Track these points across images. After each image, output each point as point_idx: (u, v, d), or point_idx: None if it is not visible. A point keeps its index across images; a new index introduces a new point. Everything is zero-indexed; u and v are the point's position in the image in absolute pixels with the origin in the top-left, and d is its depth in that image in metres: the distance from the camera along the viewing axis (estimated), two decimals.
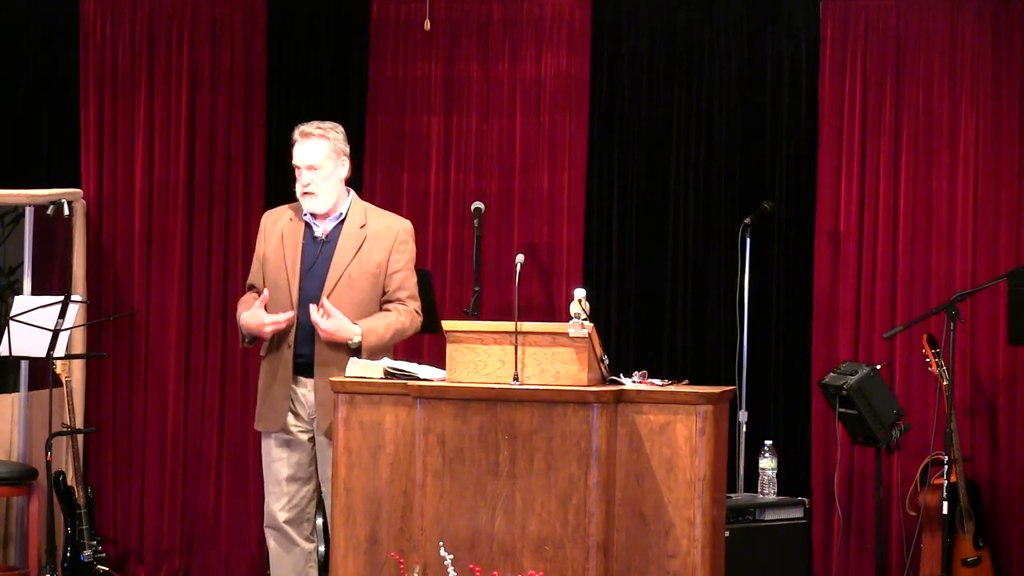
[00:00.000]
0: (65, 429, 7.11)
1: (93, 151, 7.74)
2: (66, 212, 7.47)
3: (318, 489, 5.92)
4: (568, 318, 5.25)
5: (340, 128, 5.91)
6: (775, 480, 6.85)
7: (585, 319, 5.20)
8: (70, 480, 7.21)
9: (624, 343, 7.54)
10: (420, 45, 7.71)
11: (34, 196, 7.52)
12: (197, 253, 7.75)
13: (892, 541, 7.17)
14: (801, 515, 6.77)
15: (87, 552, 7.11)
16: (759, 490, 6.85)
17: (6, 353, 6.94)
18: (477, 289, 7.23)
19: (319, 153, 5.81)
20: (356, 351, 5.71)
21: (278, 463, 5.88)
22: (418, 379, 5.42)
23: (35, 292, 7.48)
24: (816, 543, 7.22)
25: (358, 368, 5.53)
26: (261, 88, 7.80)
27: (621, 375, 5.41)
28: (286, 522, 5.89)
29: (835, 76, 7.39)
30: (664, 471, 5.17)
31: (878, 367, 6.74)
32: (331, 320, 5.68)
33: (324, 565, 6.14)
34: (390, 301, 5.87)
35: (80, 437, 7.37)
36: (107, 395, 7.72)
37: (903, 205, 7.30)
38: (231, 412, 7.71)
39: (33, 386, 7.57)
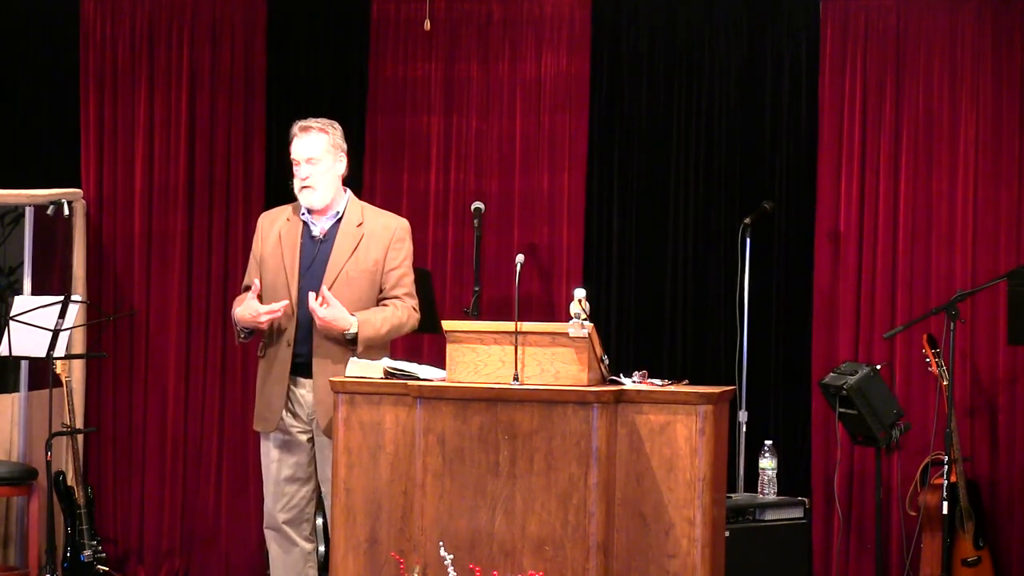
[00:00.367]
0: (65, 429, 7.11)
1: (93, 151, 7.75)
2: (66, 212, 7.47)
3: (317, 489, 5.92)
4: (568, 318, 5.25)
5: (338, 125, 5.92)
6: (775, 480, 6.85)
7: (585, 319, 5.20)
8: (70, 480, 7.21)
9: (624, 343, 7.54)
10: (420, 45, 7.71)
11: (34, 196, 7.52)
12: (197, 253, 7.75)
13: (892, 541, 7.17)
14: (801, 515, 6.77)
15: (87, 552, 7.11)
16: (759, 490, 6.85)
17: (6, 353, 6.94)
18: (477, 289, 7.23)
19: (318, 147, 5.82)
20: (352, 342, 5.71)
21: (277, 464, 5.88)
22: (418, 379, 5.42)
23: (35, 292, 7.48)
24: (816, 543, 7.22)
25: (358, 368, 5.53)
26: (261, 88, 7.80)
27: (621, 375, 5.41)
28: (285, 522, 5.89)
29: (835, 76, 7.39)
30: (664, 471, 5.17)
31: (878, 367, 6.74)
32: (329, 309, 5.67)
33: (324, 565, 6.14)
34: (387, 299, 5.87)
35: (80, 437, 7.37)
36: (107, 395, 7.72)
37: (903, 205, 7.30)
38: (231, 412, 7.71)
39: (33, 386, 7.57)
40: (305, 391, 5.82)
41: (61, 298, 6.93)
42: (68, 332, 6.97)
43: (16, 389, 7.64)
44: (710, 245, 7.53)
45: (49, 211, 7.46)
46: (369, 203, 6.15)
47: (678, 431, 5.17)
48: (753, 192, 7.45)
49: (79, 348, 7.40)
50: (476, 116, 7.69)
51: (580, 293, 5.27)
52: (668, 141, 7.58)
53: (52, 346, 6.90)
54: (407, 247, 5.94)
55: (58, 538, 7.18)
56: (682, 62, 7.58)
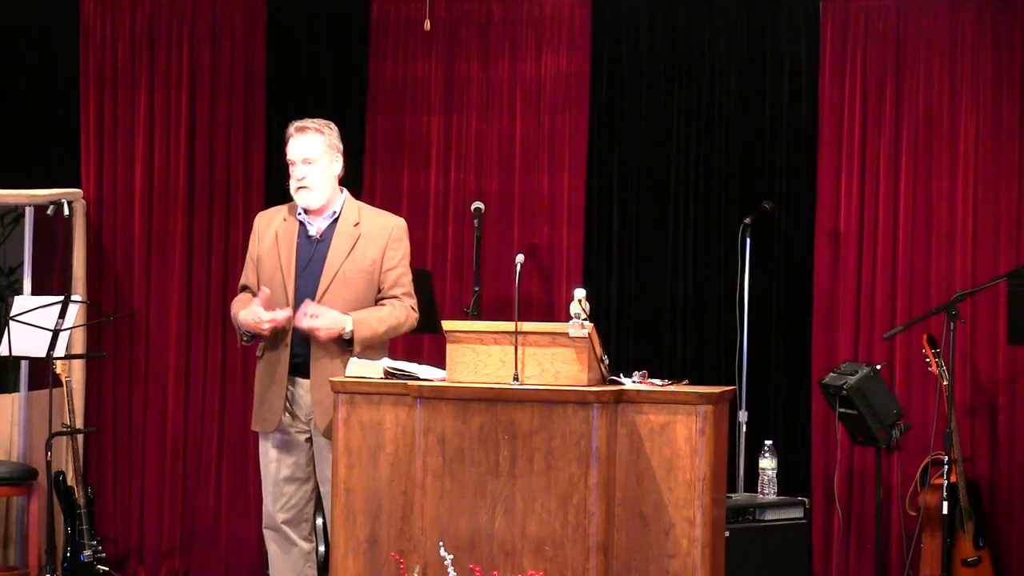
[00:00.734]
0: (65, 429, 7.11)
1: (93, 151, 7.75)
2: (66, 212, 7.47)
3: (316, 489, 5.92)
4: (568, 318, 5.24)
5: (334, 126, 5.93)
6: (775, 480, 6.85)
7: (585, 319, 5.20)
8: (70, 480, 7.21)
9: (624, 343, 7.54)
10: (420, 45, 7.71)
11: (34, 196, 7.52)
12: (197, 253, 7.75)
13: (892, 541, 7.17)
14: (801, 515, 6.77)
15: (87, 552, 7.11)
16: (759, 490, 6.85)
17: (6, 353, 6.94)
18: (477, 289, 7.23)
19: (315, 147, 5.82)
20: (349, 342, 5.72)
21: (275, 464, 5.88)
22: (418, 379, 5.42)
23: (35, 292, 7.48)
24: (816, 543, 7.22)
25: (358, 368, 5.53)
26: (261, 88, 7.80)
27: (621, 375, 5.41)
28: (284, 523, 5.89)
29: (835, 76, 7.39)
30: (664, 471, 5.17)
31: (878, 367, 6.74)
32: (321, 319, 5.68)
33: (324, 565, 6.14)
34: (385, 298, 5.87)
35: (80, 437, 7.37)
36: (107, 395, 7.73)
37: (903, 205, 7.30)
38: (231, 412, 7.71)
39: (33, 386, 7.57)
40: (303, 391, 5.82)
41: (61, 298, 6.93)
42: (68, 332, 6.97)
43: (16, 389, 7.64)
44: (710, 245, 7.53)
45: (49, 211, 7.46)
46: (369, 203, 6.15)
47: (678, 431, 5.17)
48: (753, 192, 7.45)
49: (79, 348, 7.40)
50: (476, 116, 7.69)
51: (580, 293, 5.27)
52: (668, 141, 7.58)
53: (52, 346, 6.90)
54: (404, 246, 5.93)
55: (58, 538, 7.18)
56: (682, 62, 7.58)
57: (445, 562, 5.08)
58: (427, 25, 7.47)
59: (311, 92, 7.79)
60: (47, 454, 6.93)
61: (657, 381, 5.37)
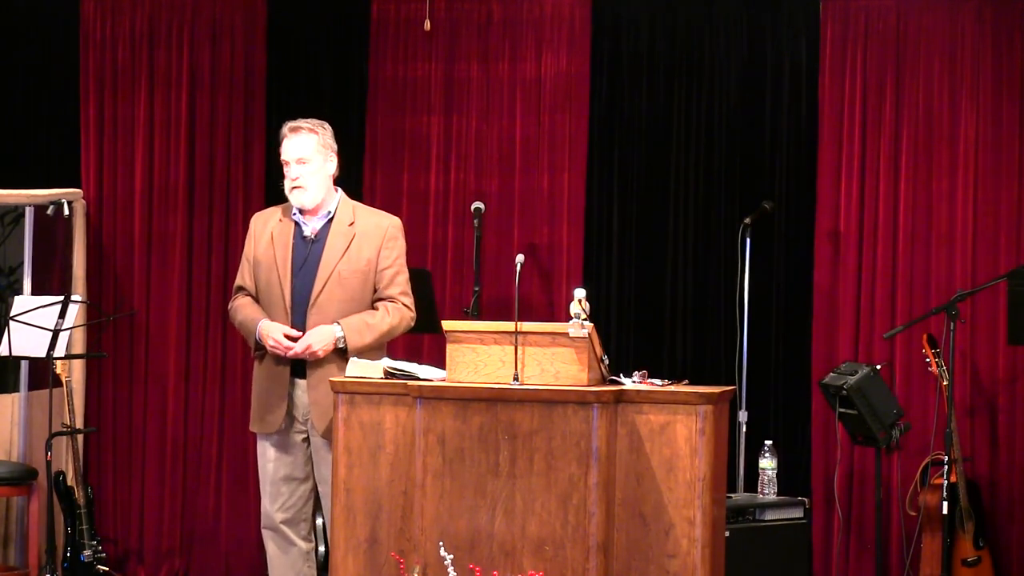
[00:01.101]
0: (65, 429, 7.10)
1: (93, 151, 7.75)
2: (66, 212, 7.47)
3: (314, 489, 5.93)
4: (568, 318, 5.24)
5: (328, 126, 5.93)
6: (775, 480, 6.85)
7: (585, 319, 5.20)
8: (70, 480, 7.21)
9: (624, 343, 7.54)
10: (420, 45, 7.71)
11: (34, 196, 7.52)
12: (197, 253, 7.75)
13: (892, 541, 7.17)
14: (801, 515, 6.77)
15: (87, 552, 7.11)
16: (759, 490, 6.85)
17: (6, 353, 6.94)
18: (477, 289, 7.23)
19: (308, 147, 5.83)
20: (343, 350, 5.73)
21: (273, 464, 5.88)
22: (418, 379, 5.42)
23: (35, 292, 7.48)
24: (816, 543, 7.22)
25: (358, 368, 5.53)
26: (261, 88, 7.80)
27: (621, 375, 5.41)
28: (283, 522, 5.90)
29: (835, 76, 7.39)
30: (664, 471, 5.17)
31: (878, 367, 6.74)
32: (310, 337, 5.70)
33: (324, 565, 6.14)
34: (381, 299, 5.87)
35: (80, 437, 7.37)
36: (107, 395, 7.73)
37: (903, 205, 7.30)
38: (231, 412, 7.71)
39: (33, 386, 7.57)
40: (300, 392, 5.82)
41: (61, 298, 6.92)
42: (68, 332, 6.97)
43: (16, 389, 7.64)
44: (710, 245, 7.53)
45: (49, 211, 7.46)
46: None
47: (678, 431, 5.17)
48: (753, 192, 7.45)
49: (79, 348, 7.40)
50: (476, 116, 7.69)
51: (580, 293, 5.26)
52: (668, 141, 7.58)
53: (52, 346, 6.90)
54: (400, 245, 5.93)
55: (58, 538, 7.18)
56: (682, 62, 7.58)
57: (445, 562, 5.08)
58: (427, 25, 7.47)
59: (311, 92, 7.79)
60: (47, 454, 6.93)
61: (657, 381, 5.37)
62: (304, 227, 5.88)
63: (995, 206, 7.22)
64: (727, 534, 5.66)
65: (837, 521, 7.22)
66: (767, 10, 7.52)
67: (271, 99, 7.81)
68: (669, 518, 5.16)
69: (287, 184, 5.86)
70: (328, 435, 5.66)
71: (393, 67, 7.76)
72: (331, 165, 5.89)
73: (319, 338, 5.73)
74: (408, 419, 5.33)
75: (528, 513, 5.15)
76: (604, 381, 5.31)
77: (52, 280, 7.65)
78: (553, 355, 5.22)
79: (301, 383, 5.81)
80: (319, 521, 6.52)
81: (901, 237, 7.30)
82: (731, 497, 6.62)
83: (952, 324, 6.59)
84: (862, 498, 7.23)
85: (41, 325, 6.85)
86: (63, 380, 7.07)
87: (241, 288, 6.00)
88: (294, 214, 5.90)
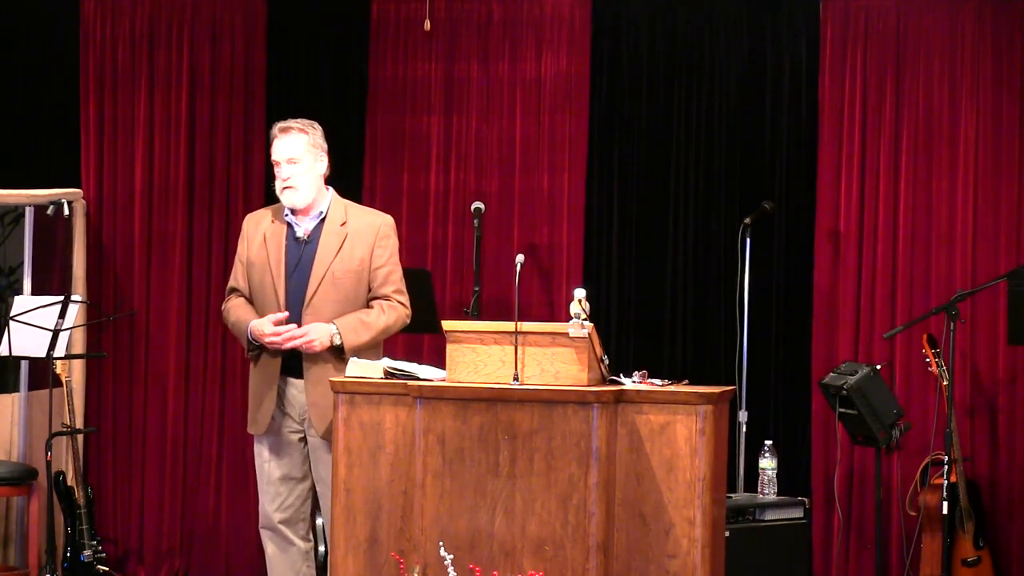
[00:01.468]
0: (65, 429, 7.10)
1: (93, 151, 7.75)
2: (66, 212, 7.47)
3: (312, 488, 5.93)
4: (568, 318, 5.24)
5: (318, 125, 5.93)
6: (775, 480, 6.85)
7: (585, 319, 5.20)
8: (70, 480, 7.21)
9: (624, 343, 7.54)
10: (420, 45, 7.71)
11: (34, 196, 7.52)
12: (197, 253, 7.75)
13: (892, 541, 7.17)
14: (801, 515, 6.77)
15: (87, 552, 7.11)
16: (759, 490, 6.85)
17: (6, 353, 6.94)
18: (477, 289, 7.23)
19: (298, 147, 5.83)
20: (340, 350, 5.73)
21: (270, 464, 5.89)
22: (418, 379, 5.42)
23: (35, 292, 7.48)
24: (816, 543, 7.22)
25: (358, 368, 5.53)
26: (261, 88, 7.81)
27: (621, 375, 5.40)
28: (281, 522, 5.90)
29: (835, 76, 7.39)
30: (664, 471, 5.17)
31: (878, 367, 6.74)
32: (309, 327, 5.70)
33: (324, 565, 6.13)
34: (376, 298, 5.88)
35: (80, 437, 7.37)
36: (107, 395, 7.73)
37: (903, 205, 7.30)
38: (231, 412, 7.71)
39: (33, 386, 7.57)
40: (296, 391, 5.82)
41: (61, 298, 6.93)
42: (68, 332, 6.97)
43: (16, 389, 7.64)
44: (710, 245, 7.53)
45: (49, 211, 7.46)
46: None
47: (678, 431, 5.17)
48: (753, 192, 7.45)
49: (79, 348, 7.40)
50: (476, 116, 7.69)
51: (580, 293, 5.26)
52: (668, 141, 7.58)
53: (52, 346, 6.90)
54: (392, 243, 5.93)
55: (58, 538, 7.18)
56: (682, 62, 7.58)
57: (445, 562, 5.08)
58: (427, 25, 7.48)
59: (311, 92, 7.79)
60: (47, 454, 6.93)
61: (657, 381, 5.37)
62: (296, 228, 5.88)
63: (995, 206, 7.22)
64: (727, 534, 5.66)
65: (837, 521, 7.22)
66: (767, 10, 7.52)
67: (271, 99, 7.81)
68: (669, 518, 5.16)
69: (278, 185, 5.86)
70: (328, 436, 5.66)
71: (393, 67, 7.76)
72: (322, 165, 5.89)
73: (317, 333, 5.74)
74: (408, 419, 5.33)
75: (528, 513, 5.15)
76: (604, 381, 5.31)
77: (52, 280, 7.65)
78: (553, 355, 5.22)
79: (297, 382, 5.81)
80: (319, 521, 6.52)
81: (901, 237, 7.30)
82: (731, 497, 6.62)
83: (952, 324, 6.59)
84: (862, 498, 7.23)
85: (41, 325, 6.85)
86: (63, 380, 7.07)
87: (234, 289, 6.01)
88: (286, 215, 5.89)
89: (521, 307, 5.47)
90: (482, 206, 7.35)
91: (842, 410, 6.72)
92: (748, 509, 6.68)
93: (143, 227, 7.74)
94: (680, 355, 7.52)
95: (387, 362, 5.55)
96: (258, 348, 5.85)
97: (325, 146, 5.91)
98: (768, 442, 6.89)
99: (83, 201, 7.64)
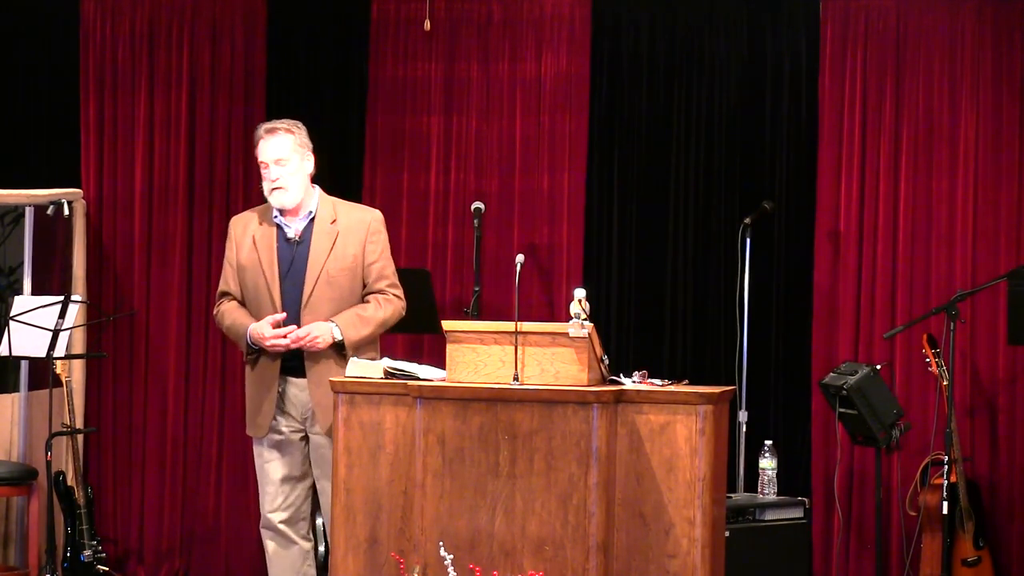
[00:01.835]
0: (65, 429, 7.10)
1: (93, 151, 7.74)
2: (66, 212, 7.46)
3: (313, 487, 5.93)
4: (568, 318, 5.24)
5: (302, 125, 5.94)
6: (775, 480, 6.85)
7: (585, 319, 5.20)
8: (70, 480, 7.21)
9: (624, 343, 7.54)
10: (420, 45, 7.71)
11: (34, 196, 7.52)
12: (197, 253, 7.75)
13: (892, 541, 7.17)
14: (801, 515, 6.77)
15: (87, 552, 7.11)
16: (759, 490, 6.85)
17: (6, 353, 6.94)
18: (477, 289, 7.23)
19: (286, 147, 5.83)
20: (340, 347, 5.73)
21: (271, 464, 5.89)
22: (418, 379, 5.42)
23: (35, 292, 7.48)
24: (816, 543, 7.21)
25: (358, 368, 5.54)
26: (261, 88, 7.80)
27: (621, 375, 5.41)
28: (282, 522, 5.90)
29: (835, 76, 7.39)
30: (664, 471, 5.17)
31: (878, 367, 6.74)
32: (312, 332, 5.70)
33: (324, 565, 6.14)
34: (371, 293, 5.88)
35: (80, 437, 7.37)
36: (107, 395, 7.72)
37: (903, 205, 7.30)
38: (231, 412, 7.70)
39: (33, 386, 7.57)
40: (297, 390, 5.82)
41: (61, 298, 6.92)
42: (68, 332, 6.97)
43: (16, 389, 7.64)
44: (710, 245, 7.52)
45: (49, 211, 7.46)
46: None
47: (678, 431, 5.17)
48: (753, 192, 7.45)
49: (79, 348, 7.40)
50: (476, 116, 7.69)
51: (580, 293, 5.26)
52: (668, 141, 7.58)
53: (52, 346, 6.90)
54: (383, 238, 5.94)
55: (58, 538, 7.18)
56: (682, 62, 7.58)
57: (445, 562, 5.08)
58: (427, 25, 7.48)
59: (311, 92, 7.79)
60: (47, 454, 6.93)
61: (657, 381, 5.37)
62: (287, 229, 5.88)
63: (995, 206, 7.21)
64: (727, 534, 5.66)
65: (837, 521, 7.22)
66: (767, 10, 7.51)
67: (271, 99, 7.80)
68: (669, 518, 5.16)
69: (266, 186, 5.85)
70: (332, 433, 5.66)
71: (393, 67, 7.76)
72: (308, 164, 5.90)
73: (319, 331, 5.74)
74: (408, 419, 5.33)
75: (528, 513, 5.15)
76: (604, 381, 5.31)
77: (52, 280, 7.64)
78: (553, 355, 5.22)
79: (298, 381, 5.81)
80: (319, 521, 6.52)
81: (901, 237, 7.30)
82: (731, 497, 6.62)
83: (952, 324, 6.59)
84: (862, 498, 7.23)
85: (41, 325, 6.85)
86: (63, 380, 7.07)
87: (226, 293, 5.99)
88: (275, 217, 5.89)
89: (521, 307, 5.47)
90: (482, 206, 7.35)
91: (842, 410, 6.72)
92: (748, 509, 6.68)
93: (143, 227, 7.74)
94: (680, 355, 7.52)
95: (387, 362, 5.55)
96: (256, 351, 5.84)
97: (310, 145, 5.92)
98: (768, 442, 6.89)
99: (83, 201, 7.64)
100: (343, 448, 5.43)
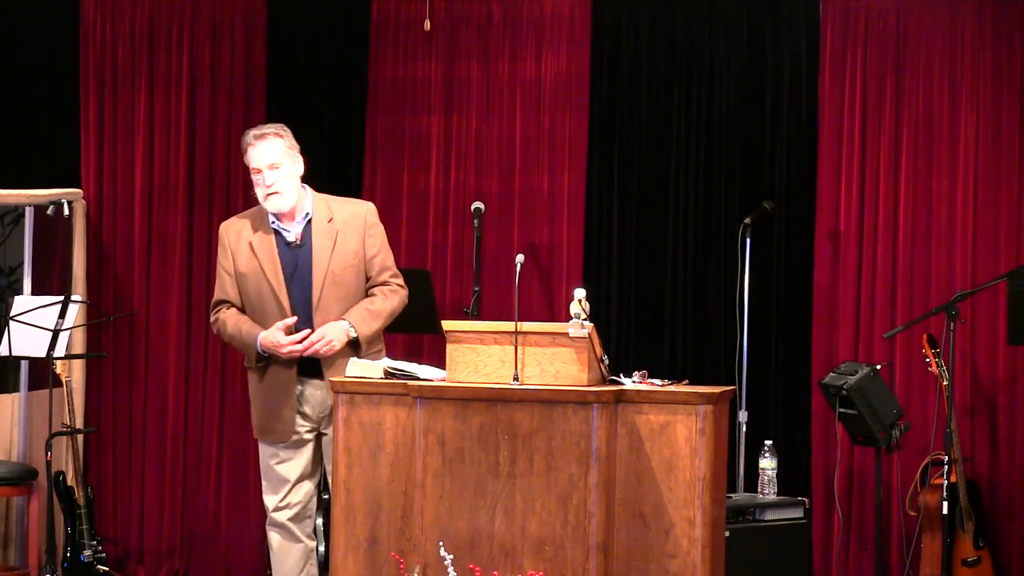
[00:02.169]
0: (65, 429, 7.10)
1: (93, 151, 7.75)
2: (66, 212, 7.47)
3: (318, 485, 5.94)
4: (568, 318, 5.24)
5: (287, 128, 5.94)
6: (775, 480, 6.85)
7: (585, 319, 5.20)
8: (70, 480, 7.21)
9: (624, 343, 7.54)
10: (420, 45, 7.71)
11: (34, 196, 7.52)
12: (197, 253, 7.75)
13: (892, 541, 7.17)
14: (801, 515, 6.77)
15: (87, 552, 7.11)
16: (759, 490, 6.85)
17: (6, 353, 6.94)
18: (477, 289, 7.23)
19: (277, 152, 5.83)
20: (355, 343, 5.74)
21: (287, 464, 5.88)
22: (418, 379, 5.42)
23: (35, 292, 7.48)
24: (816, 543, 7.21)
25: (358, 368, 5.54)
26: (261, 88, 7.80)
27: (621, 375, 5.41)
28: (290, 519, 5.92)
29: (835, 76, 7.39)
30: (664, 471, 5.17)
31: (878, 367, 6.74)
32: (325, 329, 5.70)
33: (324, 565, 6.14)
34: (375, 285, 5.89)
35: (80, 437, 7.37)
36: (107, 395, 7.72)
37: (903, 205, 7.30)
38: (231, 412, 7.71)
39: (33, 386, 7.57)
40: (313, 389, 5.83)
41: (61, 298, 6.92)
42: (68, 332, 6.97)
43: (16, 389, 7.64)
44: (710, 245, 7.53)
45: (49, 211, 7.46)
46: (331, 195, 6.12)
47: (678, 431, 5.17)
48: (753, 192, 7.45)
49: (79, 348, 7.40)
50: (476, 116, 7.69)
51: (580, 293, 5.27)
52: (668, 141, 7.58)
53: (52, 346, 6.90)
54: (380, 230, 5.97)
55: (58, 538, 7.18)
56: (682, 62, 7.58)
57: (445, 562, 5.08)
58: (427, 25, 7.48)
59: (311, 92, 7.79)
60: (47, 454, 6.93)
61: (657, 381, 5.37)
62: (286, 233, 5.87)
63: (995, 206, 7.21)
64: (727, 534, 5.66)
65: (837, 521, 7.22)
66: (767, 10, 7.52)
67: (271, 99, 7.81)
68: (669, 518, 5.16)
69: (261, 192, 5.83)
70: None
71: (393, 67, 7.76)
72: (299, 166, 5.90)
73: (334, 333, 5.74)
74: (408, 419, 5.33)
75: (528, 513, 5.15)
76: (604, 381, 5.32)
77: (52, 280, 7.64)
78: (553, 355, 5.23)
79: (314, 381, 5.82)
80: (319, 521, 6.52)
81: (901, 237, 7.30)
82: (731, 497, 6.62)
83: (952, 324, 6.59)
84: (862, 498, 7.23)
85: (41, 325, 6.85)
86: (63, 380, 7.07)
87: (224, 301, 5.95)
88: (272, 222, 5.88)
89: (521, 307, 5.47)
90: (482, 206, 7.35)
91: (842, 410, 6.72)
92: (748, 509, 6.68)
93: (143, 227, 7.74)
94: (680, 355, 7.52)
95: (387, 362, 5.55)
96: (266, 358, 5.83)
97: (298, 146, 5.93)
98: (768, 442, 6.89)
99: (83, 201, 7.64)
100: (343, 448, 5.43)
